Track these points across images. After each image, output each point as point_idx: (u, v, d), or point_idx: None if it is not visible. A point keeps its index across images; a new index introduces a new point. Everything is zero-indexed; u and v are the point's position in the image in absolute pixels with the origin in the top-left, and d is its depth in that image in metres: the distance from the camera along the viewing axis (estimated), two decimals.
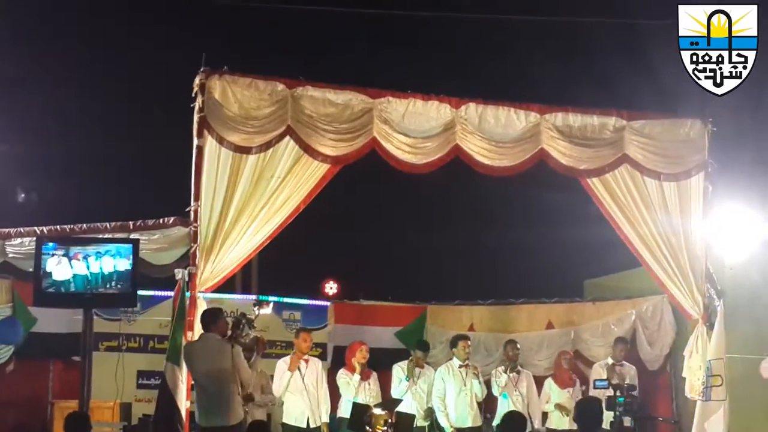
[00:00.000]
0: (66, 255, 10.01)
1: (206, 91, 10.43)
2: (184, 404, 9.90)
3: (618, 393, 11.80)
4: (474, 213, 21.30)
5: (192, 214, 10.43)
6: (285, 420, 11.85)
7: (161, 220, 10.79)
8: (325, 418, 11.71)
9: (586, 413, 7.68)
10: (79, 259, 10.05)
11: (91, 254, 10.07)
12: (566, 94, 12.57)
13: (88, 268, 10.06)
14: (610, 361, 13.15)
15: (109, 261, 10.10)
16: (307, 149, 10.73)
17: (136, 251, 10.23)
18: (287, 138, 10.68)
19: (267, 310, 11.22)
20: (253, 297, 15.16)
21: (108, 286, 10.13)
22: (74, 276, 10.07)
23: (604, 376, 12.56)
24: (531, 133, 11.38)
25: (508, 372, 12.70)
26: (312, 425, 11.52)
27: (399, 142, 11.01)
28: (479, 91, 11.45)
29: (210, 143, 10.45)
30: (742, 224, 12.13)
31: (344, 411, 11.91)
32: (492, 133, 11.25)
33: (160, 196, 13.01)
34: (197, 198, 10.39)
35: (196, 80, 10.49)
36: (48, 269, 9.99)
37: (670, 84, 11.46)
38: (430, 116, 11.12)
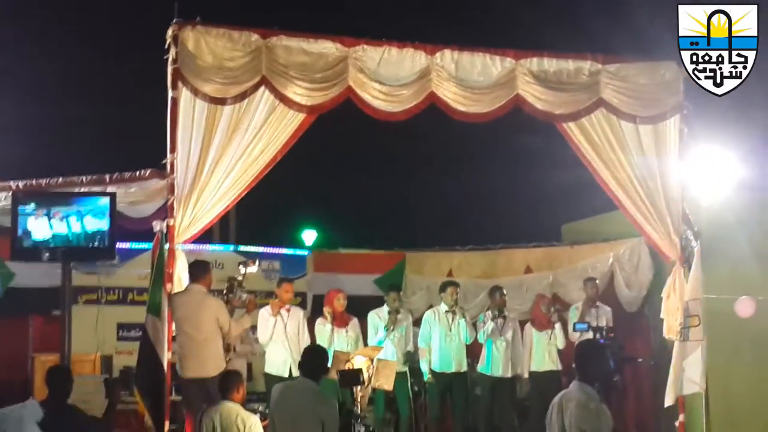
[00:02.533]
0: (46, 215, 9.99)
1: (179, 42, 10.29)
2: (165, 356, 9.91)
3: (598, 336, 11.96)
4: (452, 158, 21.34)
5: (168, 166, 10.35)
6: (267, 370, 11.94)
7: (137, 173, 10.72)
8: None
9: (585, 356, 7.64)
10: (58, 218, 10.03)
11: (72, 214, 10.06)
12: (541, 38, 12.52)
13: (69, 227, 10.06)
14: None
15: (91, 221, 10.10)
16: (283, 99, 10.65)
17: (113, 204, 10.21)
18: (262, 88, 10.61)
19: (253, 269, 11.39)
20: (231, 248, 15.23)
21: (89, 244, 10.13)
22: (54, 236, 10.06)
23: (583, 319, 12.70)
24: (506, 79, 11.30)
25: (495, 319, 12.82)
26: (294, 374, 11.56)
27: (374, 91, 10.92)
28: (454, 38, 11.39)
29: (185, 95, 10.35)
30: (717, 165, 12.19)
31: None
32: (467, 79, 11.18)
33: (134, 150, 12.95)
34: (173, 150, 10.30)
35: (169, 31, 10.36)
36: (28, 228, 9.98)
37: (645, 26, 11.44)
38: (405, 64, 11.02)
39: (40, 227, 10.00)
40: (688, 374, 11.17)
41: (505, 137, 15.82)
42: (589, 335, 12.06)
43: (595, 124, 11.61)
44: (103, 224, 10.11)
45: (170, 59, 10.36)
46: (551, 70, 11.47)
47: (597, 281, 13.48)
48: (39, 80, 19.04)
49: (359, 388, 10.72)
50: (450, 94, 11.15)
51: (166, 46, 10.41)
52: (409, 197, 23.13)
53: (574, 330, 12.51)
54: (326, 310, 12.27)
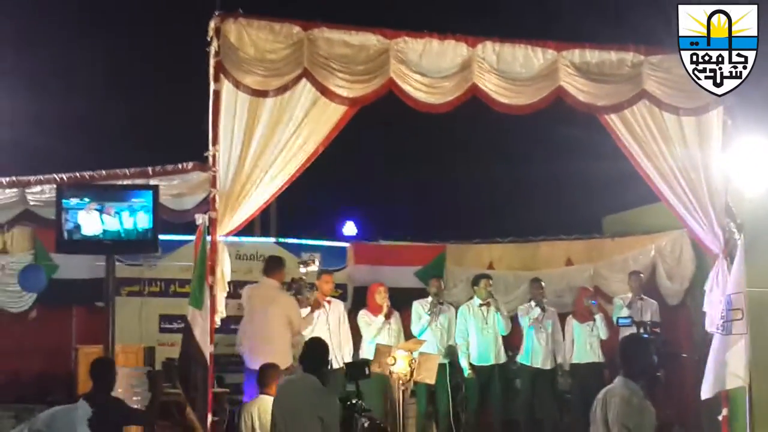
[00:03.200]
0: (98, 210, 10.09)
1: (221, 34, 10.34)
2: (208, 348, 9.96)
3: (641, 330, 11.90)
4: (492, 150, 21.25)
5: (210, 159, 10.39)
6: None
7: (180, 166, 10.81)
8: (348, 359, 11.81)
9: (629, 351, 7.61)
10: (111, 214, 10.13)
11: (125, 209, 10.16)
12: (583, 29, 12.43)
13: (121, 223, 10.16)
14: (629, 295, 13.24)
15: (142, 216, 10.19)
16: (324, 91, 10.65)
17: (156, 197, 10.29)
18: (304, 81, 10.62)
19: (314, 268, 11.66)
20: (273, 239, 15.30)
21: (135, 238, 10.25)
22: (104, 231, 10.16)
23: (626, 313, 12.66)
24: (548, 71, 11.24)
25: (540, 306, 12.89)
26: (335, 366, 11.56)
27: (416, 83, 10.89)
28: (496, 29, 11.34)
29: (227, 87, 10.38)
30: (761, 157, 12.06)
31: (367, 352, 12.02)
32: (509, 71, 11.13)
33: (176, 142, 12.99)
34: (215, 143, 10.34)
35: (211, 24, 10.41)
36: (78, 222, 10.09)
37: None
38: (446, 56, 10.99)
39: (91, 222, 10.10)
40: (731, 368, 11.06)
41: (546, 129, 15.74)
42: (633, 329, 12.02)
43: (637, 116, 11.52)
44: (149, 218, 10.20)
45: (212, 52, 10.40)
46: (593, 61, 11.39)
47: (642, 275, 13.43)
48: (80, 74, 19.14)
49: (402, 385, 10.79)
50: (492, 86, 11.10)
51: (209, 39, 10.44)
52: (450, 189, 23.09)
53: (617, 324, 12.49)
54: (385, 304, 12.38)
